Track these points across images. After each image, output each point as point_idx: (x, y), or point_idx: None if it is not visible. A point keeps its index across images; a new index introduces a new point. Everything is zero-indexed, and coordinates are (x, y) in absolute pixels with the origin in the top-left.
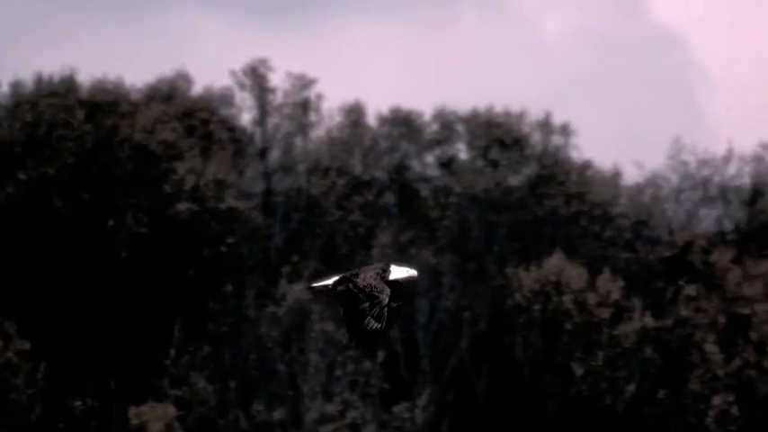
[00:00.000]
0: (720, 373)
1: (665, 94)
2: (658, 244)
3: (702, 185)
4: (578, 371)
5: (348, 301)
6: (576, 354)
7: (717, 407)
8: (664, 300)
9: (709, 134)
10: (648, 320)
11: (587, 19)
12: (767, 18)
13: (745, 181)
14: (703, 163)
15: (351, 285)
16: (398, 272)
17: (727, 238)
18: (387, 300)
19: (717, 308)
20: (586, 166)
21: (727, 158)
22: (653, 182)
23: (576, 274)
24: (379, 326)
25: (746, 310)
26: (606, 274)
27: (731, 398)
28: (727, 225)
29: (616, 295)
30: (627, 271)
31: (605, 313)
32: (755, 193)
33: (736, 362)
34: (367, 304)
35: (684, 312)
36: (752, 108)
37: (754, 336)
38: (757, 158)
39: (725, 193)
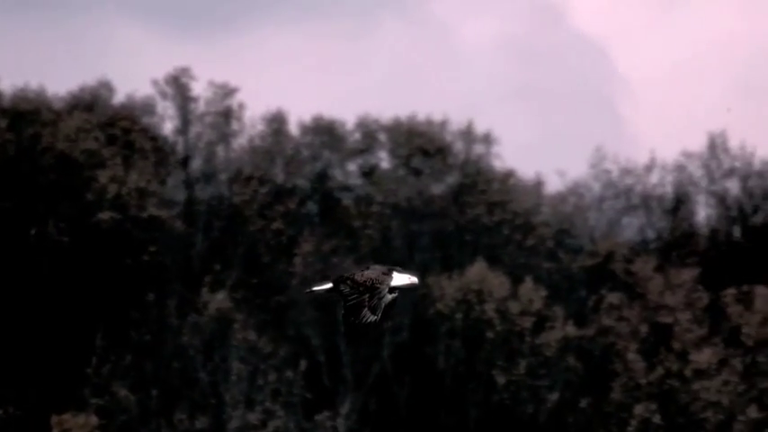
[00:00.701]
0: (642, 381)
1: (586, 103)
2: (580, 253)
3: (625, 194)
4: (500, 380)
5: (347, 294)
6: (498, 362)
7: (639, 416)
8: (586, 308)
9: (630, 143)
10: (571, 329)
11: (509, 27)
12: (688, 27)
13: (668, 190)
14: (625, 172)
15: (350, 282)
16: (400, 279)
17: (649, 247)
18: (386, 291)
19: (639, 317)
20: (508, 174)
21: (650, 167)
22: (575, 191)
23: (498, 283)
24: (375, 318)
25: (668, 319)
26: (528, 282)
27: (653, 406)
28: (650, 234)
29: (538, 304)
30: (549, 280)
31: (527, 322)
32: (677, 202)
33: (659, 371)
34: (367, 295)
35: (607, 321)
36: (673, 117)
37: (676, 344)
38: (679, 167)
39: (647, 201)
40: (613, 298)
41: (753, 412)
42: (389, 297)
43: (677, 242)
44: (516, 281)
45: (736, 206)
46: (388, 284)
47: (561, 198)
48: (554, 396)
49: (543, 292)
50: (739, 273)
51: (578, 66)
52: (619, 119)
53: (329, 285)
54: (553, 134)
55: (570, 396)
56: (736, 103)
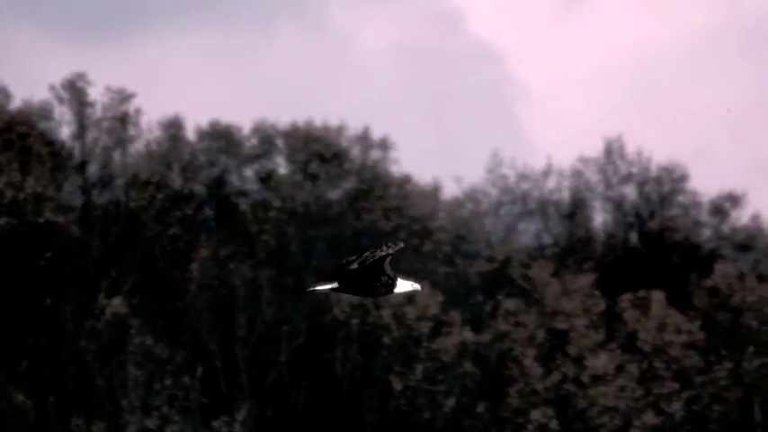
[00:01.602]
0: (539, 387)
1: (483, 109)
2: (477, 258)
3: (521, 200)
4: (397, 385)
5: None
6: (395, 368)
7: (536, 421)
8: (483, 314)
9: (527, 148)
10: (467, 335)
11: (406, 34)
12: (584, 33)
13: (564, 195)
14: (522, 177)
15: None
16: (403, 285)
17: (545, 253)
18: (382, 256)
19: (536, 322)
20: (405, 180)
21: (546, 173)
22: (472, 196)
23: None
24: (357, 266)
25: (565, 325)
26: (425, 288)
27: (550, 412)
28: (546, 239)
29: (435, 309)
30: (446, 285)
31: (424, 327)
32: (574, 208)
33: (555, 376)
34: (368, 252)
35: (503, 327)
36: (570, 122)
37: (572, 350)
38: (576, 173)
39: (544, 207)
40: (510, 303)
41: (649, 418)
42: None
43: (574, 248)
44: None
45: (632, 212)
46: (388, 268)
47: (458, 203)
48: (451, 401)
49: (440, 298)
50: (636, 278)
51: (476, 71)
52: (515, 124)
53: (331, 286)
54: (450, 139)
55: (467, 401)
56: (632, 109)
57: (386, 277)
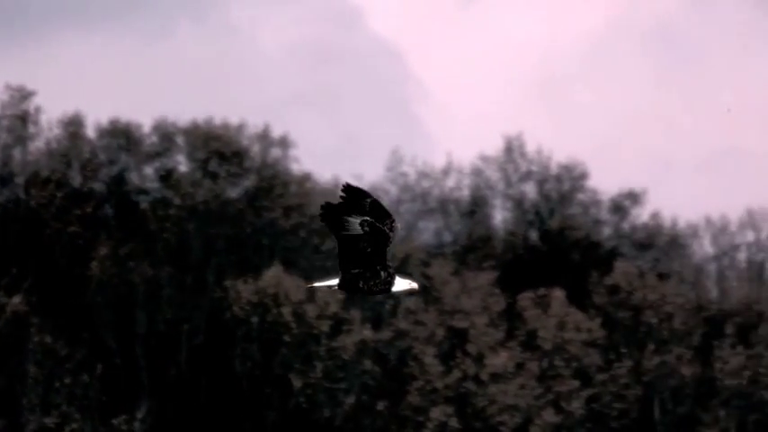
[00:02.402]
0: (439, 385)
1: (383, 106)
2: None
3: (421, 198)
4: (297, 383)
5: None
6: (295, 365)
7: (435, 419)
8: (383, 312)
9: (427, 146)
10: (367, 333)
11: (305, 31)
12: (483, 30)
13: (465, 193)
14: (423, 175)
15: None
16: (400, 284)
17: (445, 251)
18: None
19: (436, 320)
20: (305, 178)
21: (447, 171)
22: (372, 194)
23: (294, 286)
24: (367, 230)
25: (465, 323)
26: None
27: (450, 410)
28: (447, 237)
29: (335, 307)
30: None
31: (324, 325)
32: (474, 206)
33: (455, 374)
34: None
35: (403, 325)
36: (470, 120)
37: (472, 348)
38: (476, 171)
39: (444, 205)
40: (410, 302)
41: (549, 416)
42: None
43: (474, 246)
44: None
45: (532, 210)
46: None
47: None
48: (351, 399)
49: (340, 296)
50: (536, 276)
51: (374, 69)
52: (415, 122)
53: (334, 282)
54: (350, 138)
55: (367, 399)
56: (531, 107)
57: (385, 273)
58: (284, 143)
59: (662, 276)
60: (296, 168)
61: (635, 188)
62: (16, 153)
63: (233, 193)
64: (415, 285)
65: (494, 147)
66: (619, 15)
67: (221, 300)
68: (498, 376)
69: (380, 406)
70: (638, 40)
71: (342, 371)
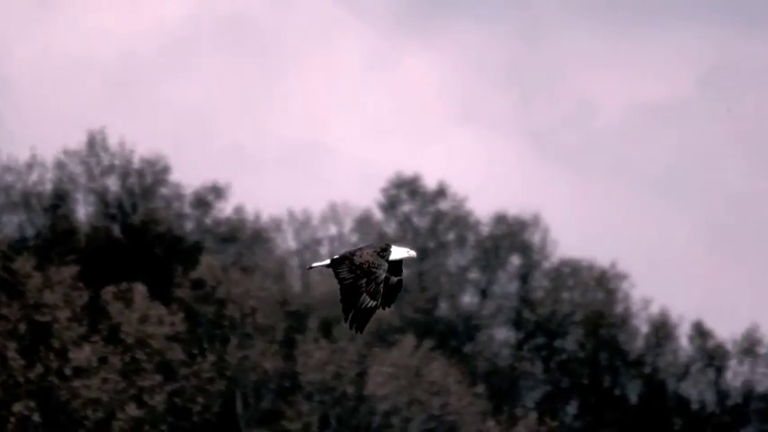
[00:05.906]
0: (21, 379)
1: None
2: None
3: (5, 191)
4: None
5: (344, 276)
6: None
7: (18, 413)
8: None
9: (10, 140)
10: None
11: None
12: (64, 24)
13: (48, 187)
14: (6, 169)
15: (348, 263)
16: (398, 252)
17: (28, 245)
18: (383, 275)
19: (18, 315)
20: None
21: (30, 165)
22: None
23: None
24: (375, 303)
25: (48, 317)
26: None
27: (32, 404)
28: (29, 231)
29: None
30: None
31: None
32: (57, 200)
33: (38, 369)
34: (364, 280)
35: None
36: (54, 114)
37: (55, 342)
38: (60, 165)
39: (27, 199)
40: None
41: (132, 410)
42: (395, 279)
43: (57, 240)
44: None
45: (115, 204)
46: (385, 268)
47: None
48: None
49: None
50: (119, 270)
51: None
52: None
53: (328, 261)
54: None
55: None
56: (114, 102)
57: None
58: None
59: (245, 270)
60: None
61: (218, 182)
62: None
63: None
64: (413, 253)
65: (78, 141)
66: (193, 9)
67: None
68: (81, 370)
69: None
70: (217, 34)
71: None
